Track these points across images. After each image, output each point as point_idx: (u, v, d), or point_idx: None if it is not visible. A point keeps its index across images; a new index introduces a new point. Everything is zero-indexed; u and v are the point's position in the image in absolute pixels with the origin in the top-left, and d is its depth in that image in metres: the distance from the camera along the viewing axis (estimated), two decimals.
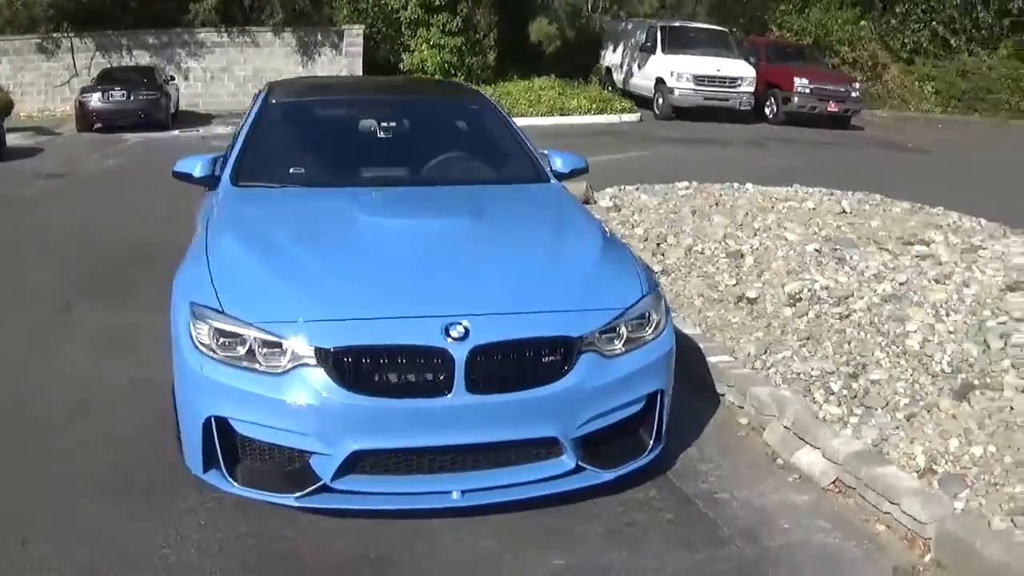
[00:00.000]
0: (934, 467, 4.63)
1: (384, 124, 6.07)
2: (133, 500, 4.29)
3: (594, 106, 22.81)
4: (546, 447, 4.13)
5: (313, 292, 4.08)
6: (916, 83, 34.74)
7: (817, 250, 8.04)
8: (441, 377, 3.84)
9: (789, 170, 15.29)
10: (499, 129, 6.28)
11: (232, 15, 21.39)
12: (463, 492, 4.02)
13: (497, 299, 4.12)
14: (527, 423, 4.01)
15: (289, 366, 3.85)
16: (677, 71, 23.77)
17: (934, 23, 34.46)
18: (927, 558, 4.13)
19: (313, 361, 3.84)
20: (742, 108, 24.41)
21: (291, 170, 5.61)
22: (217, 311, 4.00)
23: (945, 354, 5.80)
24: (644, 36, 25.48)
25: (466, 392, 3.85)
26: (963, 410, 5.10)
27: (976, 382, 5.45)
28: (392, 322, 3.92)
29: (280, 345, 3.88)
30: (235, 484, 4.01)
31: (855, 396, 5.37)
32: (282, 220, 4.91)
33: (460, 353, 3.84)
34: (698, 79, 23.76)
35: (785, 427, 5.08)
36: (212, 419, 3.94)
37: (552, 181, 5.87)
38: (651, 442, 4.47)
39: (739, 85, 24.37)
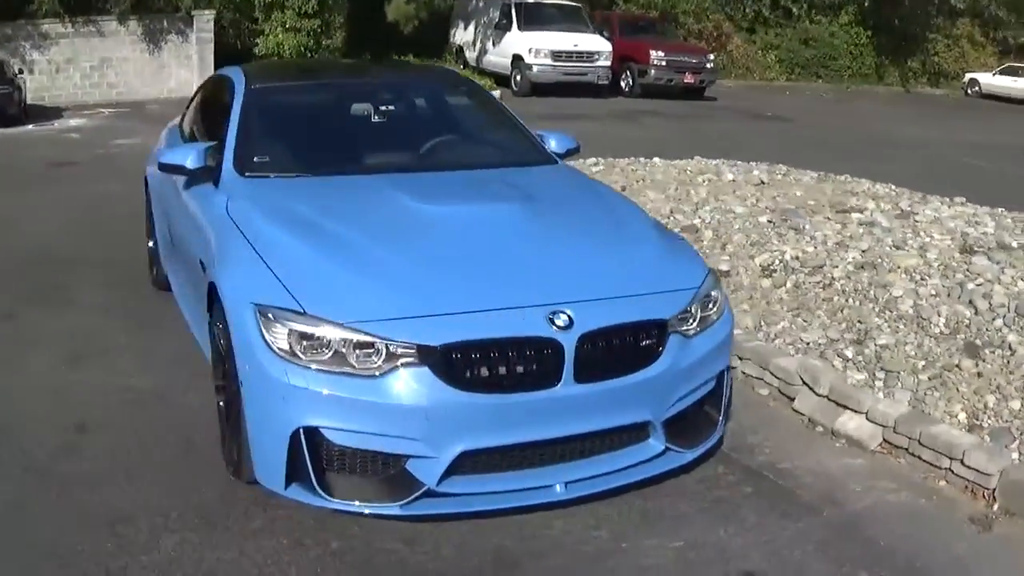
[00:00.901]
0: (976, 422, 4.99)
1: (381, 108, 6.02)
2: (195, 525, 4.05)
3: None
4: (636, 432, 4.22)
5: (399, 286, 3.98)
6: (759, 52, 36.13)
7: (770, 221, 8.39)
8: (550, 367, 3.87)
9: (670, 142, 15.85)
10: (493, 111, 6.34)
11: (76, 5, 20.59)
12: (565, 484, 4.06)
13: (590, 285, 4.16)
14: (626, 409, 4.10)
15: (387, 366, 3.74)
16: (535, 47, 24.16)
17: None
18: (995, 507, 4.48)
19: (415, 359, 3.75)
20: (600, 82, 25.07)
21: (299, 158, 5.47)
22: (297, 312, 3.83)
23: (940, 316, 6.19)
24: (498, 14, 25.75)
25: (573, 382, 3.88)
26: (988, 368, 5.47)
27: (979, 342, 5.86)
28: (496, 314, 3.87)
29: (373, 345, 3.75)
30: (330, 498, 3.85)
31: (870, 362, 5.70)
32: (327, 211, 4.70)
33: (569, 341, 3.85)
34: (556, 55, 24.23)
35: (821, 395, 5.35)
36: (301, 430, 3.79)
37: (559, 162, 5.98)
38: (720, 419, 4.65)
39: (596, 60, 24.99)
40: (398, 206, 4.78)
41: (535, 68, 24.14)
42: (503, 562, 3.85)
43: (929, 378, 5.44)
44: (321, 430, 3.79)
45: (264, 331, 3.84)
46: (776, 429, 5.25)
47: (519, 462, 3.99)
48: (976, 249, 7.65)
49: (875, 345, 5.88)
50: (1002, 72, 39.82)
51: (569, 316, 3.88)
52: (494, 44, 25.80)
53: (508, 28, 25.21)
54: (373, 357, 3.75)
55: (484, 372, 3.78)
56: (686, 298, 4.34)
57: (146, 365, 5.81)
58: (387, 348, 3.74)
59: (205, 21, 21.39)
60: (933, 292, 6.60)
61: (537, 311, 3.89)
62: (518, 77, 24.52)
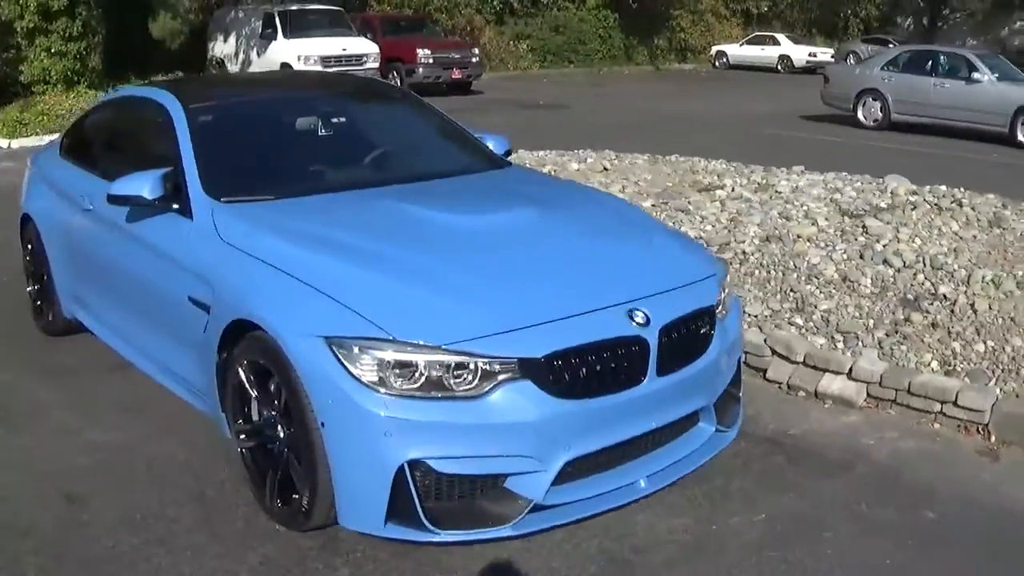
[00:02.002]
0: (950, 368, 5.64)
1: (333, 121, 6.00)
2: None
3: None
4: (692, 417, 4.50)
5: (479, 302, 3.98)
6: (511, 43, 37.17)
7: (654, 206, 8.92)
8: (636, 365, 4.02)
9: None
10: (435, 119, 6.47)
11: None
12: (647, 478, 4.26)
13: (646, 280, 4.38)
14: (692, 396, 4.38)
15: (487, 385, 3.75)
16: (303, 54, 24.21)
17: None
18: (992, 439, 5.15)
19: (515, 374, 3.77)
20: None
21: (274, 179, 5.35)
22: (385, 340, 3.74)
23: (866, 277, 6.85)
24: (260, 23, 25.59)
25: (656, 376, 4.08)
26: (938, 318, 6.15)
27: (910, 296, 6.54)
28: (583, 318, 3.97)
29: (468, 364, 3.74)
30: (439, 531, 3.81)
31: (821, 327, 6.27)
32: (349, 230, 4.60)
33: (652, 337, 4.04)
34: (325, 60, 24.34)
35: (796, 362, 5.87)
36: (405, 464, 3.73)
37: (513, 164, 6.26)
38: (741, 396, 5.01)
39: (365, 62, 25.27)
40: (420, 219, 4.77)
41: None
42: (617, 562, 4.05)
43: (886, 335, 6.05)
44: (426, 461, 3.75)
45: (347, 364, 3.76)
46: (762, 400, 5.68)
47: (605, 463, 4.14)
48: (856, 213, 8.45)
49: (818, 311, 6.45)
50: (748, 42, 42.66)
51: (645, 312, 4.11)
52: (259, 54, 25.57)
53: (273, 37, 25.09)
54: (469, 377, 3.74)
55: (581, 378, 3.88)
56: (716, 284, 4.70)
57: (93, 418, 5.53)
58: (483, 366, 3.75)
59: None
60: (846, 256, 7.27)
61: (617, 311, 4.07)
62: None
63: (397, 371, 3.73)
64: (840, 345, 6.01)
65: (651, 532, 4.26)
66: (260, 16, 25.71)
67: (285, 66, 24.29)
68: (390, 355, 3.73)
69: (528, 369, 3.79)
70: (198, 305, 4.61)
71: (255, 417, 4.39)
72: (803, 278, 6.97)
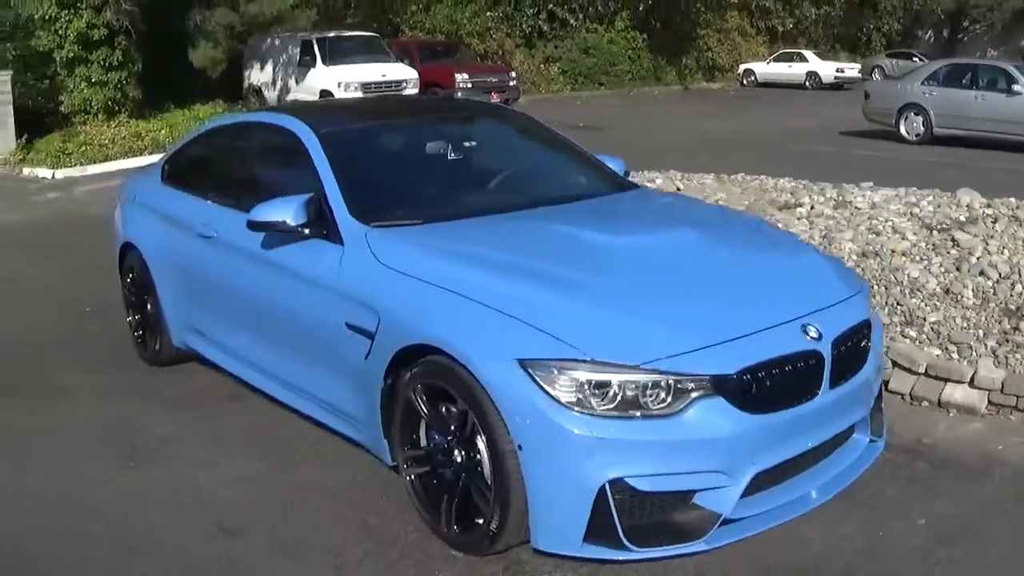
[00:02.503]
0: None
1: (465, 145, 6.07)
2: None
3: None
4: (850, 429, 4.61)
5: (666, 321, 4.04)
6: (542, 66, 37.45)
7: None
8: (812, 378, 4.13)
9: None
10: (558, 141, 6.57)
11: None
12: (817, 489, 4.37)
13: (810, 295, 4.49)
14: (854, 408, 4.51)
15: (681, 403, 3.81)
16: (344, 81, 24.42)
17: (551, 6, 37.26)
18: None
19: (708, 391, 3.85)
20: None
21: (419, 203, 5.44)
22: (582, 361, 3.80)
23: (967, 289, 7.00)
24: (298, 51, 25.82)
25: (828, 388, 4.18)
26: None
27: (1012, 306, 6.69)
28: (765, 335, 4.06)
29: (661, 383, 3.80)
30: (637, 548, 3.87)
31: (934, 338, 6.42)
32: (517, 252, 4.63)
33: (826, 350, 4.15)
34: (366, 86, 24.53)
35: (918, 373, 6.03)
36: (607, 483, 3.78)
37: (640, 186, 6.44)
38: (882, 406, 5.08)
39: (404, 88, 25.49)
40: (582, 240, 4.82)
41: None
42: (800, 572, 4.17)
43: (998, 343, 6.20)
44: (625, 479, 3.80)
45: (545, 386, 3.81)
46: (889, 411, 5.80)
47: (781, 476, 4.23)
48: (941, 227, 8.61)
49: (928, 323, 6.60)
50: (776, 60, 42.82)
51: (817, 327, 4.18)
52: (297, 82, 25.84)
53: (312, 64, 25.35)
54: (662, 395, 3.81)
55: (766, 392, 3.97)
56: (865, 298, 4.86)
57: (225, 449, 5.55)
58: (676, 384, 3.82)
59: (2, 82, 20.62)
60: (943, 269, 7.42)
61: (792, 326, 4.15)
62: None
63: (594, 391, 3.79)
64: (955, 355, 6.16)
65: (823, 541, 4.38)
66: (298, 43, 25.93)
67: (325, 93, 24.53)
68: (587, 375, 3.79)
69: (720, 385, 3.88)
70: (357, 331, 4.66)
71: (424, 443, 4.46)
72: (907, 292, 7.10)
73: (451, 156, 5.96)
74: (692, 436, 3.83)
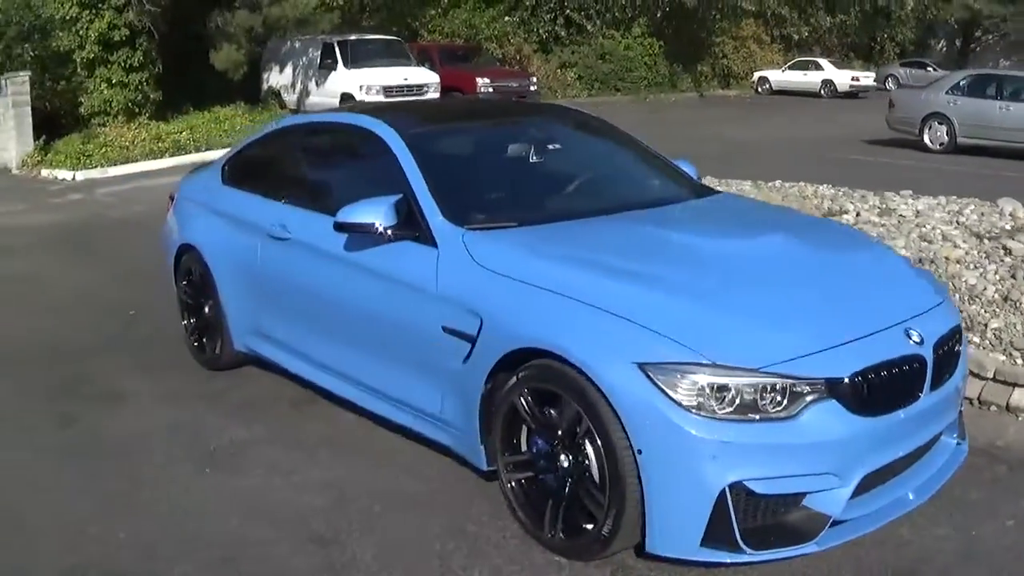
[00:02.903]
0: None
1: (549, 147, 6.08)
2: None
3: None
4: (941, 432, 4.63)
5: (779, 324, 4.06)
6: (559, 71, 37.45)
7: None
8: (916, 381, 4.15)
9: None
10: (635, 146, 6.52)
11: None
12: (913, 491, 4.35)
13: (908, 299, 4.54)
14: (948, 410, 4.54)
15: (796, 406, 3.83)
16: (366, 84, 24.40)
17: (568, 11, 37.27)
18: None
19: (822, 394, 3.87)
20: None
21: (510, 206, 5.46)
22: (704, 364, 3.81)
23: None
24: (319, 54, 25.79)
25: (930, 391, 4.21)
26: None
27: None
28: (871, 339, 4.10)
29: (776, 386, 3.82)
30: (753, 551, 3.88)
31: (996, 343, 6.39)
32: (621, 257, 4.61)
33: (928, 354, 4.18)
34: (388, 90, 24.53)
35: (986, 378, 6.01)
36: (727, 487, 3.79)
37: (719, 191, 6.45)
38: (962, 410, 5.03)
39: (426, 92, 25.47)
40: (682, 244, 4.90)
41: None
42: (903, 573, 4.18)
43: None
44: (744, 483, 3.81)
45: (667, 390, 3.80)
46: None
47: (883, 477, 4.22)
48: (991, 235, 8.60)
49: (989, 330, 6.57)
50: (791, 67, 42.77)
51: (919, 331, 4.22)
52: (318, 85, 25.83)
53: (333, 67, 25.32)
54: (778, 398, 3.82)
55: (875, 395, 3.99)
56: (951, 304, 4.88)
57: (304, 455, 5.46)
58: (792, 387, 3.84)
59: (19, 83, 20.55)
60: (999, 276, 7.38)
61: (896, 330, 4.19)
62: None
63: (715, 395, 3.79)
64: (1019, 361, 6.14)
65: (921, 542, 4.38)
66: (319, 46, 25.90)
67: (347, 97, 24.51)
68: (708, 379, 3.80)
69: (833, 389, 3.90)
70: (456, 335, 4.63)
71: (525, 448, 4.44)
72: (965, 298, 7.07)
73: (535, 159, 5.96)
74: (807, 439, 3.85)
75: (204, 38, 23.51)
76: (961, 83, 20.93)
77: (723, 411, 3.80)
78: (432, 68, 26.87)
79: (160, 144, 20.59)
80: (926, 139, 20.78)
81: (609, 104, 35.06)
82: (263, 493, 5.06)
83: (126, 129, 21.35)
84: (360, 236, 5.17)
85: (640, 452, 3.86)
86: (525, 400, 4.31)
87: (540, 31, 37.79)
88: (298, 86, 26.54)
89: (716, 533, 3.85)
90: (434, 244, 4.91)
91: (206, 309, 6.87)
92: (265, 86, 27.53)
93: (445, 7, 35.06)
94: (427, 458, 5.23)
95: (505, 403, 4.40)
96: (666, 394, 3.80)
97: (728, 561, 3.94)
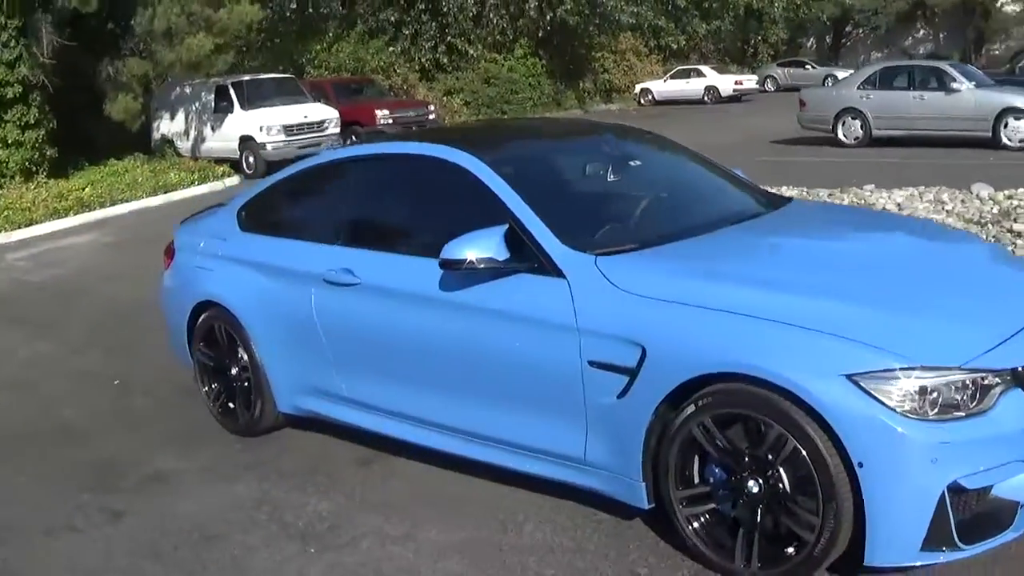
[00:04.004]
0: None
1: (631, 164, 5.91)
2: None
3: (196, 176, 22.21)
4: None
5: (960, 320, 4.03)
6: (444, 98, 37.25)
7: None
8: None
9: None
10: (701, 160, 6.27)
11: None
12: None
13: None
14: None
15: (989, 398, 3.80)
16: (267, 125, 23.67)
17: (449, 38, 37.11)
18: None
19: (1008, 384, 3.85)
20: None
21: (614, 228, 5.12)
22: (911, 368, 3.74)
23: None
24: (213, 97, 24.97)
25: None
26: None
27: None
28: None
29: (976, 381, 3.80)
30: (968, 546, 3.86)
31: None
32: (769, 269, 4.60)
33: None
34: (288, 128, 23.91)
35: None
36: (946, 488, 3.74)
37: (791, 198, 6.25)
38: None
39: (327, 127, 24.97)
40: (822, 252, 4.93)
41: (269, 146, 23.62)
42: None
43: None
44: (959, 481, 3.75)
45: (882, 399, 3.73)
46: None
47: None
48: (989, 221, 8.71)
49: None
50: (673, 77, 43.30)
51: None
52: (214, 129, 24.96)
53: (229, 110, 24.47)
54: (976, 393, 3.79)
55: None
56: None
57: (410, 519, 5.00)
58: (984, 380, 3.80)
59: None
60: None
61: None
62: (250, 159, 23.91)
63: (925, 397, 3.74)
64: None
65: None
66: (211, 89, 25.01)
67: (246, 139, 23.81)
68: (916, 382, 3.73)
69: (1018, 378, 3.88)
70: (608, 368, 4.34)
71: (698, 480, 4.24)
72: None
73: (621, 177, 5.76)
74: (1003, 429, 3.81)
75: (94, 89, 22.61)
76: (873, 77, 21.30)
77: (933, 413, 3.75)
78: (327, 103, 26.30)
79: (63, 203, 19.56)
80: (840, 134, 21.11)
81: None
82: (386, 567, 4.61)
83: (25, 190, 20.35)
84: (462, 273, 4.77)
85: (861, 465, 3.75)
86: (706, 428, 4.10)
87: (422, 59, 37.52)
88: (192, 132, 25.65)
89: (935, 535, 3.79)
90: (559, 274, 4.59)
91: (234, 370, 6.34)
92: (157, 135, 26.46)
93: (330, 41, 34.58)
94: (557, 505, 4.91)
95: (681, 434, 4.17)
96: (882, 403, 3.72)
97: (943, 560, 3.88)
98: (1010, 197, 10.10)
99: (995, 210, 9.40)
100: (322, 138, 24.70)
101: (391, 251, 5.39)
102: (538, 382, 4.64)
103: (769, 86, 46.77)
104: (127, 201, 19.91)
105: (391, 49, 35.80)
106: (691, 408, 4.11)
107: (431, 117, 28.18)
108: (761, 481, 4.02)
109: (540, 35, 39.11)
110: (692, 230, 5.01)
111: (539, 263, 4.66)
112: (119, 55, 22.47)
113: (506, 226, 4.76)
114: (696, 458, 4.20)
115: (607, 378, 4.33)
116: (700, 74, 42.83)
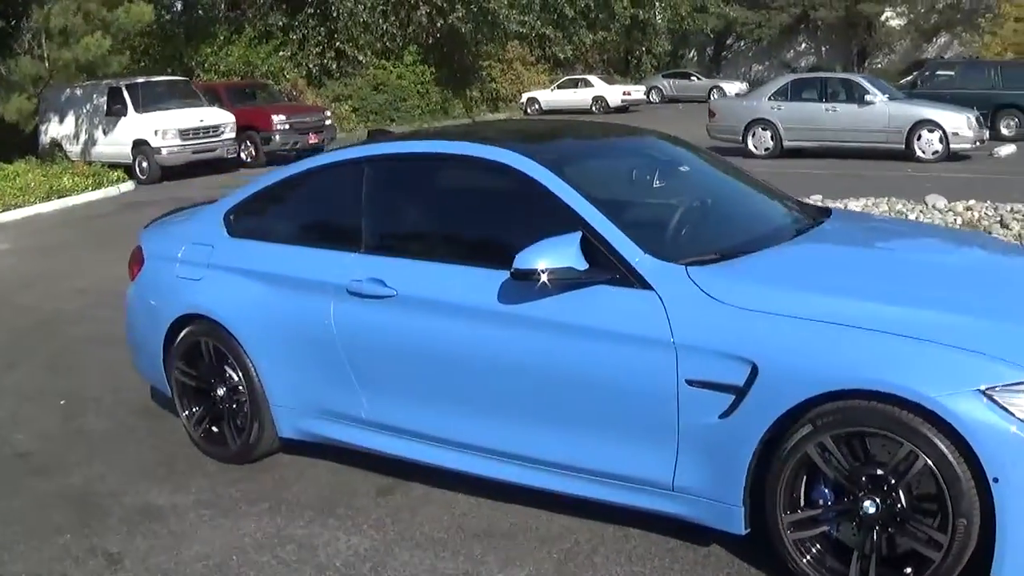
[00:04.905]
0: None
1: (681, 169, 5.64)
2: None
3: (90, 182, 21.16)
4: None
5: None
6: (333, 104, 36.56)
7: None
8: None
9: None
10: (732, 167, 5.96)
11: None
12: None
13: None
14: None
15: None
16: (162, 128, 22.67)
17: (338, 43, 36.42)
18: None
19: None
20: (229, 156, 24.27)
21: (693, 235, 4.84)
22: None
23: None
24: (105, 99, 23.78)
25: None
26: None
27: None
28: None
29: None
30: None
31: None
32: (873, 279, 4.38)
33: None
34: (184, 133, 22.98)
35: None
36: None
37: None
38: None
39: (223, 132, 24.09)
40: (910, 262, 4.87)
41: (164, 151, 22.67)
42: None
43: None
44: None
45: (1017, 413, 3.55)
46: None
47: None
48: None
49: None
50: (560, 86, 43.24)
51: None
52: (106, 132, 23.76)
53: (123, 113, 23.29)
54: None
55: None
56: None
57: (463, 554, 4.51)
58: None
59: None
60: None
61: None
62: (144, 163, 22.86)
63: None
64: None
65: None
66: (104, 92, 23.82)
67: (140, 143, 22.79)
68: None
69: None
70: (710, 387, 4.00)
71: (803, 502, 3.98)
72: None
73: (671, 183, 5.45)
74: None
75: None
76: (784, 88, 21.41)
77: None
78: (222, 107, 25.37)
79: None
80: (750, 145, 21.19)
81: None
82: None
83: None
84: (528, 285, 4.31)
85: (996, 480, 3.56)
86: (824, 448, 3.84)
87: (310, 65, 36.74)
88: (83, 135, 24.42)
89: None
90: (645, 286, 4.21)
91: (220, 391, 5.68)
92: (45, 138, 25.05)
93: (220, 44, 33.57)
94: (606, 534, 4.55)
95: (794, 455, 3.89)
96: (1016, 417, 3.55)
97: None
98: (969, 209, 10.02)
99: (958, 221, 9.28)
100: (218, 143, 23.92)
101: (433, 260, 4.88)
102: (623, 402, 4.22)
103: (654, 97, 47.07)
104: (20, 207, 18.79)
105: (280, 54, 34.91)
106: (807, 428, 3.84)
107: (328, 123, 27.46)
108: (878, 500, 3.79)
109: (430, 42, 38.60)
110: (762, 241, 4.71)
111: (620, 274, 4.26)
112: (11, 54, 21.19)
113: (579, 234, 4.33)
114: (804, 480, 3.94)
115: (708, 397, 3.99)
116: (588, 84, 42.85)
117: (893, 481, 3.78)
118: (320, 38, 36.65)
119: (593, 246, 4.30)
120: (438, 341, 4.74)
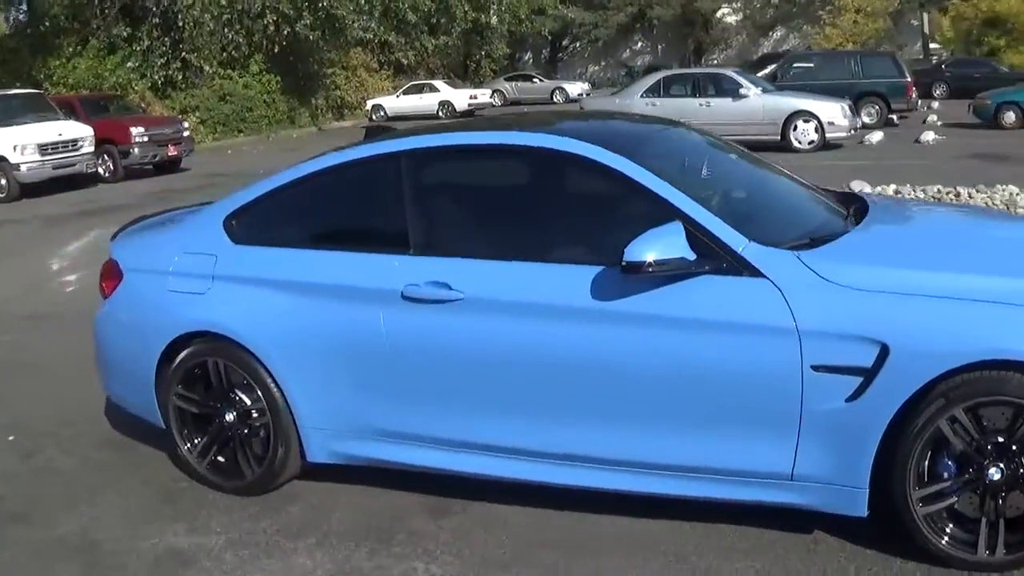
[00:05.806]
0: None
1: (731, 158, 5.54)
2: None
3: None
4: None
5: None
6: (180, 115, 35.38)
7: None
8: None
9: None
10: (755, 158, 5.77)
11: None
12: None
13: None
14: None
15: None
16: (20, 144, 21.42)
17: (183, 53, 35.30)
18: None
19: None
20: (88, 171, 23.17)
21: (773, 220, 4.75)
22: None
23: None
24: None
25: None
26: None
27: None
28: None
29: None
30: None
31: None
32: (967, 254, 4.45)
33: None
34: (43, 148, 21.78)
35: None
36: None
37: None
38: None
39: (82, 146, 22.91)
40: (991, 238, 4.96)
41: (24, 167, 21.37)
42: None
43: None
44: None
45: None
46: None
47: None
48: None
49: None
50: (405, 92, 42.91)
51: None
52: None
53: None
54: None
55: None
56: None
57: None
58: None
59: None
60: None
61: None
62: (2, 181, 21.65)
63: None
64: None
65: None
66: None
67: None
68: None
69: None
70: (837, 371, 3.90)
71: (927, 476, 3.97)
72: None
73: (706, 173, 5.21)
74: None
75: None
76: (657, 85, 21.66)
77: None
78: (79, 120, 24.18)
79: None
80: None
81: (237, 146, 33.44)
82: None
83: None
84: (626, 279, 4.11)
85: None
86: (955, 420, 3.85)
87: (155, 76, 35.44)
88: None
89: None
90: (756, 274, 4.06)
91: (230, 416, 5.13)
92: None
93: (68, 57, 32.09)
94: (725, 533, 4.37)
95: (926, 430, 3.87)
96: None
97: None
98: (898, 192, 10.21)
99: None
100: (77, 158, 22.76)
101: (504, 259, 4.55)
102: (741, 394, 4.07)
103: (496, 100, 47.16)
104: None
105: (128, 65, 33.61)
106: (940, 402, 3.82)
107: (186, 135, 26.50)
108: (1002, 466, 3.83)
109: (275, 51, 37.71)
110: (832, 225, 4.73)
111: (727, 263, 4.11)
112: None
113: (681, 224, 4.15)
114: (929, 454, 3.93)
115: (834, 381, 3.91)
116: (434, 89, 42.63)
117: (1015, 448, 3.82)
118: (165, 48, 35.24)
119: (694, 236, 4.13)
120: (523, 345, 4.41)
